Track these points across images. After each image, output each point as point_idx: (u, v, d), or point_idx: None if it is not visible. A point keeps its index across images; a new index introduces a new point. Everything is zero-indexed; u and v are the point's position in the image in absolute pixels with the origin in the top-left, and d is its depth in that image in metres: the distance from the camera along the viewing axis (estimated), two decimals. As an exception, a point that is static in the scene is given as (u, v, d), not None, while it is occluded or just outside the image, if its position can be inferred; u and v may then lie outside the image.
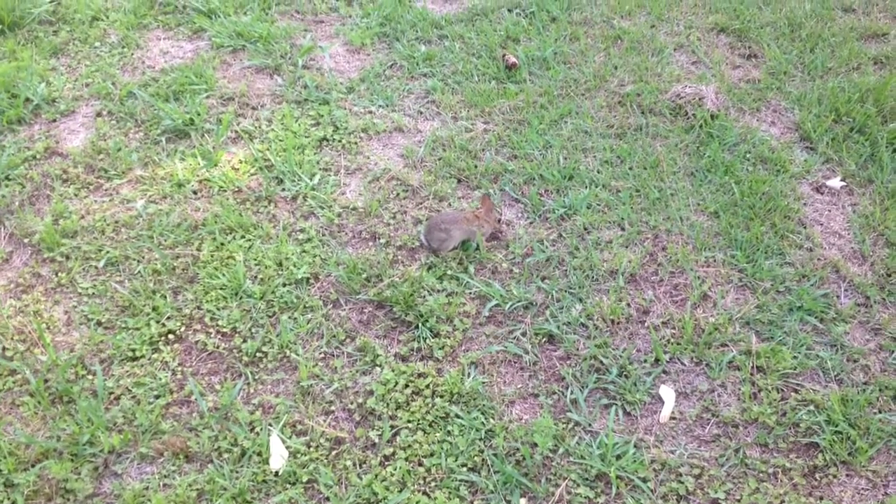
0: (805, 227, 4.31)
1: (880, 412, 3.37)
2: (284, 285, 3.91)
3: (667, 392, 3.49)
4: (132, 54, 5.68)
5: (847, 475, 3.17)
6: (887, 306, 3.87)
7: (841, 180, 4.66)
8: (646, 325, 3.80)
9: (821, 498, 3.08)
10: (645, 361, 3.63)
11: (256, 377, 3.53)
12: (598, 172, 4.68)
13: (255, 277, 3.96)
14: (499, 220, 4.15)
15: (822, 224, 4.36)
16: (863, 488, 3.12)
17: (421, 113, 5.22)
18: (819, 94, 5.34)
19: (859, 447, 3.22)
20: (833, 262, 4.09)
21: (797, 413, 3.37)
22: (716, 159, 4.74)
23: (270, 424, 3.31)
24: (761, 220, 4.31)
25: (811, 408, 3.39)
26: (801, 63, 5.73)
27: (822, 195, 4.58)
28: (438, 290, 3.93)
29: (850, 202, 4.52)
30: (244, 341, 3.67)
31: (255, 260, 4.04)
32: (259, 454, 3.21)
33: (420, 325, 3.75)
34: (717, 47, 5.95)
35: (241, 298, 3.84)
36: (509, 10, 6.33)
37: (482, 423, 3.34)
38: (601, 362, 3.61)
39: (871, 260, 4.11)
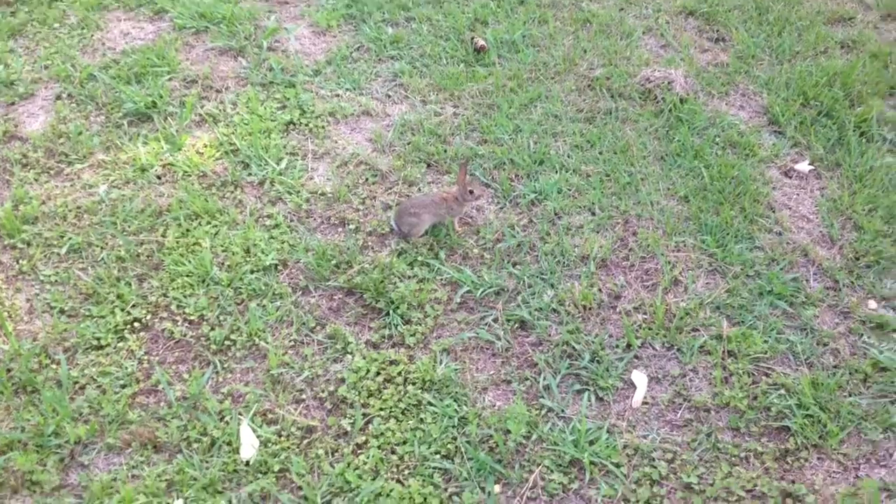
0: (774, 212, 4.33)
1: (850, 395, 3.40)
2: (252, 272, 3.85)
3: (639, 377, 3.49)
4: (92, 36, 5.54)
5: (818, 458, 3.19)
6: (856, 290, 3.90)
7: (809, 164, 4.68)
8: (617, 310, 3.79)
9: (793, 481, 3.10)
10: (617, 347, 3.63)
11: (225, 365, 3.47)
12: (569, 157, 4.66)
13: (223, 264, 3.88)
14: (471, 192, 4.03)
15: (790, 208, 4.38)
16: (834, 471, 3.15)
17: (389, 96, 5.16)
18: (787, 77, 5.36)
19: (830, 430, 3.24)
20: (802, 246, 4.11)
21: (768, 397, 3.38)
22: (685, 143, 4.74)
23: (240, 413, 3.26)
24: (731, 204, 4.32)
25: (782, 392, 3.41)
26: (768, 47, 5.74)
27: (791, 179, 4.60)
28: (409, 277, 3.89)
29: (819, 186, 4.55)
30: (212, 329, 3.60)
31: (222, 246, 3.96)
32: (229, 444, 3.15)
33: (391, 311, 3.71)
34: (686, 31, 5.94)
35: (208, 286, 3.77)
36: (478, -7, 6.27)
37: (455, 410, 3.32)
38: (573, 348, 3.60)
39: (840, 243, 4.14)
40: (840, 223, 4.26)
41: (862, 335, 3.67)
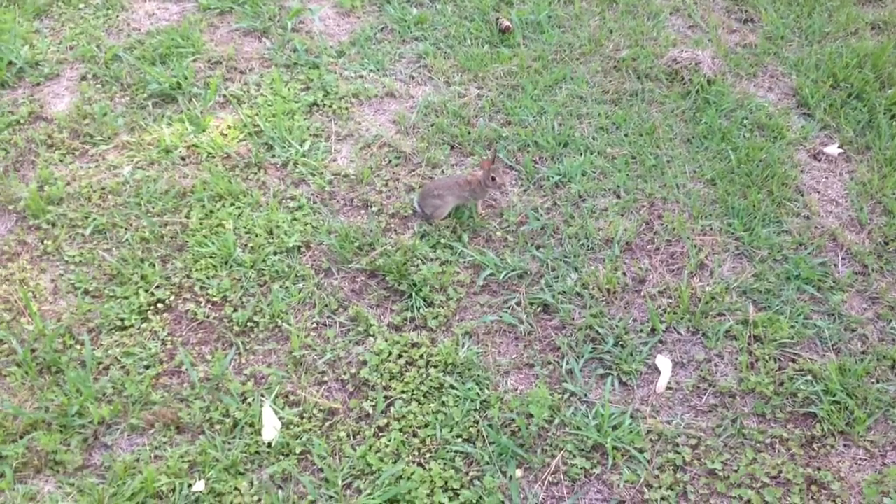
0: (802, 195, 4.27)
1: (878, 382, 3.35)
2: (275, 254, 3.85)
3: (663, 362, 3.46)
4: (117, 16, 5.54)
5: (845, 445, 3.15)
6: (885, 275, 3.83)
7: (838, 147, 4.60)
8: (642, 294, 3.76)
9: (818, 468, 3.06)
10: (641, 331, 3.60)
11: (248, 347, 3.48)
12: (594, 139, 4.61)
13: (246, 246, 3.88)
14: (493, 179, 3.97)
15: (819, 192, 4.31)
16: (860, 458, 3.11)
17: (413, 78, 5.12)
18: (816, 59, 5.26)
19: (857, 417, 3.20)
20: (830, 231, 4.05)
21: (795, 383, 3.34)
22: (712, 125, 4.68)
23: (262, 395, 3.27)
24: (758, 187, 4.26)
25: (809, 377, 3.36)
26: (798, 28, 5.64)
27: (820, 162, 4.52)
28: (432, 259, 3.87)
29: (848, 169, 4.47)
30: (235, 311, 3.61)
31: (245, 228, 3.96)
32: (251, 425, 3.16)
33: (413, 294, 3.70)
34: (714, 11, 5.85)
35: (231, 267, 3.78)
36: (503, -27, 6.20)
37: (477, 393, 3.31)
38: (597, 332, 3.57)
39: (869, 228, 4.07)
40: (869, 207, 4.19)
41: (891, 321, 3.61)
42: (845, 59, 5.20)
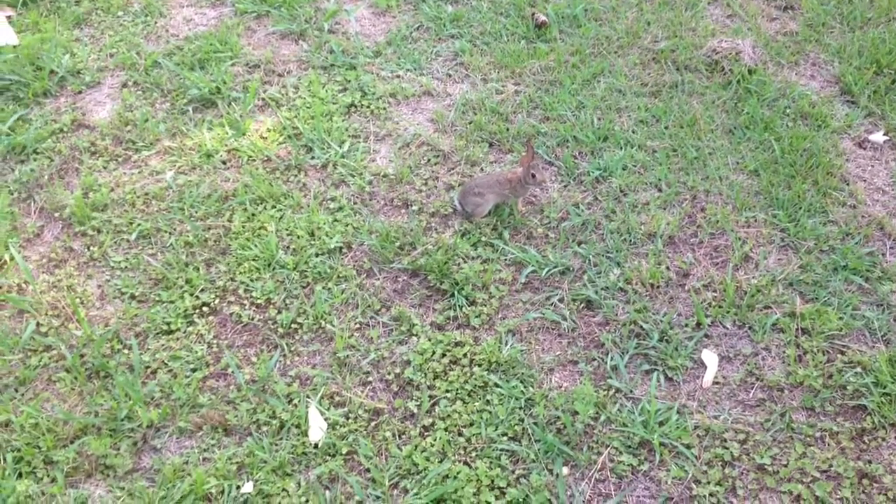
0: (848, 184, 4.19)
1: (931, 373, 3.29)
2: (317, 255, 3.87)
3: (709, 356, 3.42)
4: (156, 23, 5.61)
5: (896, 438, 3.10)
6: (936, 264, 3.76)
7: (884, 134, 4.51)
8: (686, 288, 3.72)
9: (869, 461, 3.01)
10: (686, 326, 3.56)
11: (292, 349, 3.51)
12: (634, 132, 4.57)
13: (288, 248, 3.91)
14: (533, 176, 3.94)
15: (865, 180, 4.23)
16: (914, 452, 3.05)
17: (450, 76, 5.12)
18: (859, 45, 5.16)
19: (909, 410, 3.14)
20: (878, 220, 3.97)
21: (844, 375, 3.29)
22: (754, 116, 4.61)
23: (308, 396, 3.29)
24: (803, 177, 4.19)
25: (858, 369, 3.31)
26: (839, 14, 5.53)
27: (865, 150, 4.44)
28: (473, 258, 3.87)
29: (894, 157, 4.38)
30: (279, 312, 3.64)
31: (287, 230, 3.99)
32: (298, 426, 3.19)
33: (455, 293, 3.70)
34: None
35: (274, 269, 3.81)
36: (537, -33, 6.17)
37: (521, 391, 3.30)
38: (641, 327, 3.55)
39: (918, 216, 4.00)
40: (915, 195, 4.11)
41: (943, 311, 3.54)
42: (889, 44, 5.10)
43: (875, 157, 4.39)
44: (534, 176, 3.92)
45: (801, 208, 4.02)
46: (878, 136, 4.50)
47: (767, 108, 4.69)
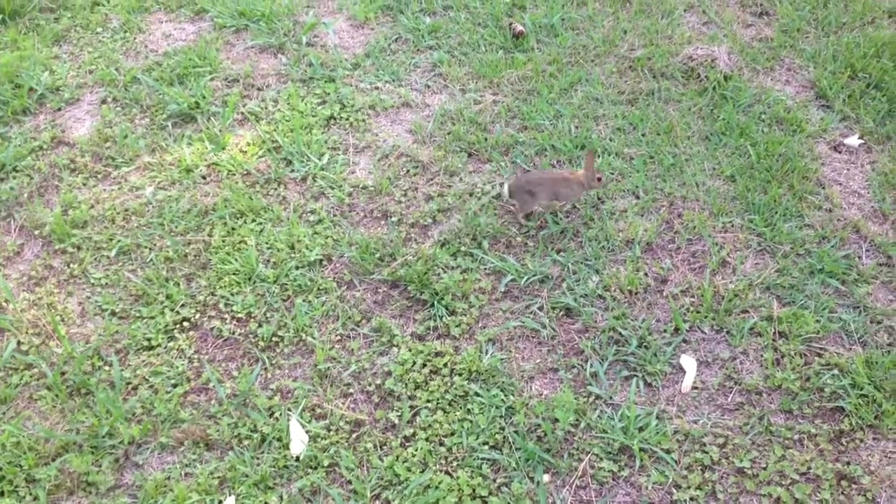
0: (823, 188, 4.24)
1: (906, 374, 3.33)
2: (297, 268, 3.88)
3: (688, 361, 3.45)
4: (134, 39, 5.62)
5: (874, 439, 3.13)
6: (910, 266, 3.80)
7: (859, 138, 4.56)
8: (664, 294, 3.75)
9: (848, 463, 3.04)
10: (665, 331, 3.59)
11: (273, 362, 3.51)
12: (611, 140, 4.61)
13: (268, 261, 3.92)
14: (599, 180, 4.03)
15: (840, 184, 4.28)
16: (890, 451, 3.08)
17: (428, 87, 5.15)
18: (834, 50, 5.22)
19: (885, 410, 3.17)
20: (853, 223, 4.02)
21: (821, 378, 3.32)
22: (730, 121, 4.65)
23: (289, 409, 3.30)
24: (779, 182, 4.23)
25: (835, 372, 3.34)
26: (814, 19, 5.60)
27: (840, 154, 4.49)
28: (453, 268, 3.89)
29: (869, 160, 4.43)
30: (259, 326, 3.64)
31: (267, 243, 4.00)
32: (279, 439, 3.19)
33: (435, 303, 3.71)
34: (729, 6, 5.82)
35: (254, 283, 3.82)
36: (514, -22, 6.21)
37: (502, 400, 3.31)
38: (620, 334, 3.57)
39: (892, 218, 4.04)
40: (892, 197, 4.16)
41: (918, 312, 3.58)
42: (863, 48, 5.17)
43: (850, 161, 4.44)
44: (599, 179, 4.00)
45: (777, 213, 4.06)
46: (853, 140, 4.55)
47: (743, 114, 4.74)
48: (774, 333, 3.52)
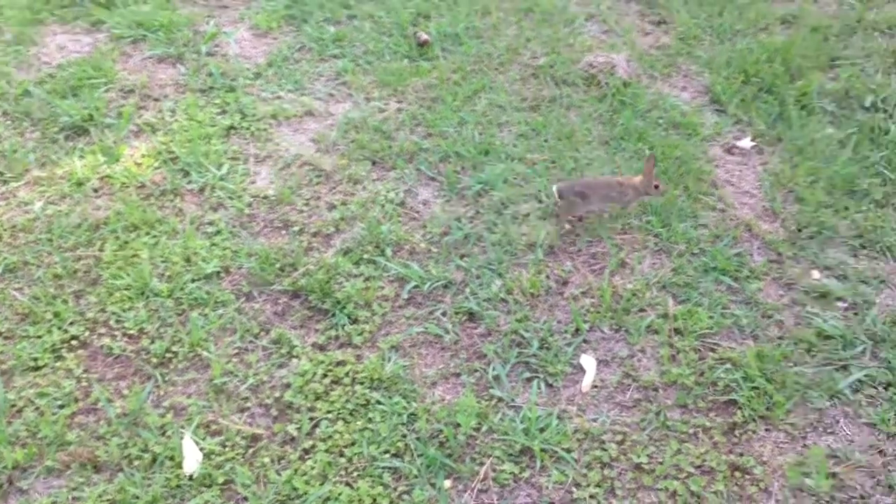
0: (717, 189, 4.34)
1: (795, 365, 3.41)
2: (193, 281, 3.78)
3: (588, 361, 3.48)
4: (28, 51, 5.44)
5: (766, 429, 3.20)
6: (798, 261, 3.91)
7: (751, 140, 4.70)
8: (565, 296, 3.78)
9: (741, 454, 3.09)
10: (566, 332, 3.61)
11: (167, 378, 3.40)
12: (514, 146, 4.64)
13: (162, 275, 3.81)
14: (657, 187, 3.99)
15: (733, 185, 4.40)
16: (782, 441, 3.15)
17: (332, 95, 5.11)
18: (728, 56, 5.38)
19: (776, 401, 3.25)
20: (745, 222, 4.12)
21: (715, 372, 3.38)
22: (629, 127, 4.74)
23: (182, 427, 3.20)
24: (675, 184, 4.32)
25: (728, 366, 3.41)
26: (709, 27, 5.76)
27: (733, 156, 4.62)
28: (355, 276, 3.85)
29: (761, 161, 4.56)
30: (152, 342, 3.53)
31: (162, 257, 3.89)
32: (172, 458, 3.09)
33: (337, 312, 3.67)
34: (628, 15, 5.95)
35: (147, 298, 3.70)
36: (418, -13, 6.23)
37: (404, 407, 3.28)
38: (522, 336, 3.58)
39: (782, 217, 4.16)
40: (782, 196, 4.28)
41: (805, 305, 3.68)
42: (756, 54, 5.33)
43: (742, 163, 4.56)
44: (657, 186, 3.97)
45: (673, 214, 4.14)
46: (746, 142, 4.68)
47: (641, 119, 4.83)
48: (670, 330, 3.57)
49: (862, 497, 2.96)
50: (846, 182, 4.32)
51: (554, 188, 4.05)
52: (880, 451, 3.11)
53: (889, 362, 3.41)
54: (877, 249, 3.98)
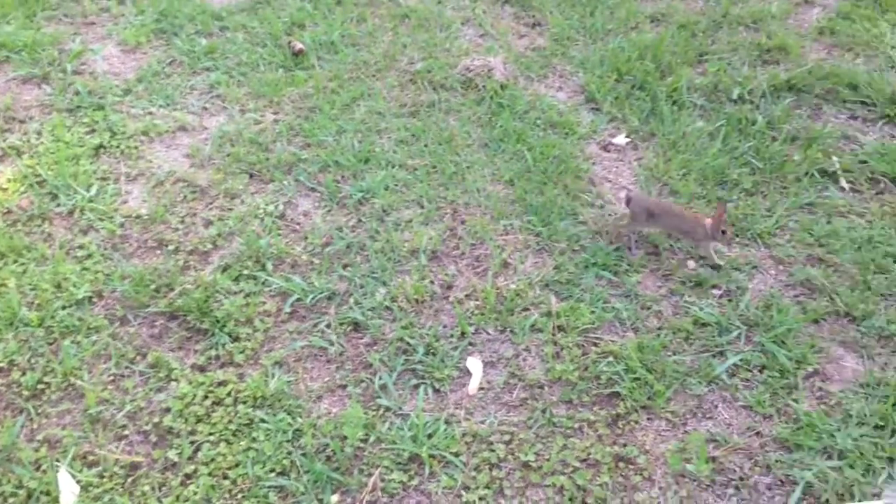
0: (595, 186, 4.43)
1: (674, 354, 3.50)
2: (64, 308, 3.62)
3: (474, 363, 3.49)
4: None
5: (648, 419, 3.27)
6: (675, 252, 4.02)
7: (626, 137, 4.81)
8: (450, 300, 3.78)
9: (625, 445, 3.15)
10: (451, 336, 3.61)
11: (40, 411, 3.25)
12: (394, 153, 4.63)
13: (32, 304, 3.64)
14: (724, 233, 3.80)
15: (610, 181, 4.49)
16: (663, 429, 3.23)
17: (206, 109, 4.99)
18: (601, 55, 5.50)
19: (657, 390, 3.33)
20: (623, 217, 4.21)
21: (598, 366, 3.44)
22: (507, 128, 4.79)
23: (58, 460, 3.06)
24: (554, 183, 4.39)
25: (610, 359, 3.47)
26: (582, 27, 5.88)
27: (609, 153, 4.72)
28: (235, 292, 3.76)
29: (636, 157, 4.68)
30: (23, 374, 3.36)
31: (31, 285, 3.72)
32: (47, 493, 2.95)
33: (217, 331, 3.57)
34: (503, 18, 6.02)
35: (16, 328, 3.53)
36: (293, -4, 6.16)
37: (289, 423, 3.22)
38: (408, 343, 3.56)
39: (658, 209, 4.27)
40: (657, 190, 4.39)
41: (683, 295, 3.79)
42: (627, 52, 5.47)
43: (619, 159, 4.67)
44: (724, 232, 3.80)
45: (553, 212, 4.20)
46: (621, 139, 4.80)
47: (519, 121, 4.89)
48: (554, 328, 3.62)
49: (741, 479, 3.06)
50: (717, 173, 4.47)
51: (623, 194, 4.00)
52: (757, 433, 3.22)
53: (763, 345, 3.54)
54: (748, 237, 4.12)
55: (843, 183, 4.41)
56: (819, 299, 3.74)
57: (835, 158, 4.53)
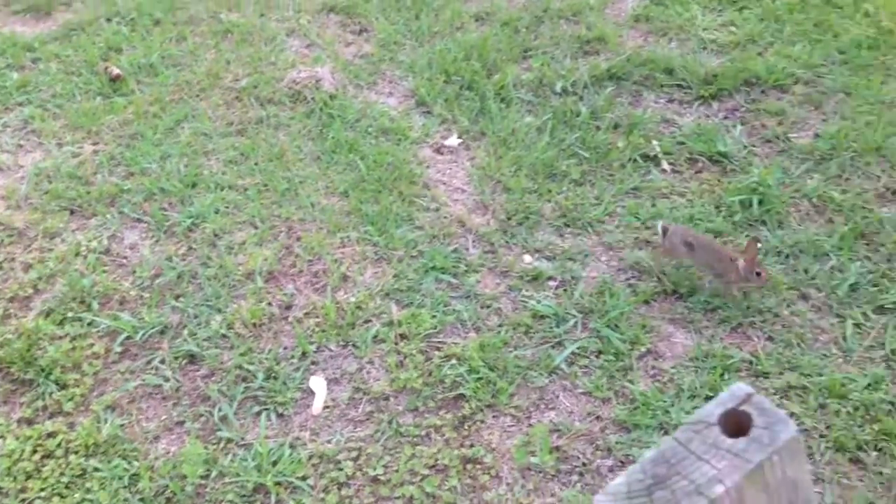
0: (430, 189, 4.44)
1: (515, 349, 3.55)
2: None
3: (317, 382, 3.43)
4: None
5: (493, 417, 3.29)
6: (511, 248, 4.08)
7: (457, 138, 4.85)
8: (290, 320, 3.71)
9: (471, 445, 3.17)
10: (292, 357, 3.54)
11: None
12: (223, 174, 4.50)
13: None
14: (759, 275, 3.56)
15: (445, 183, 4.51)
16: (508, 426, 3.26)
17: (21, 146, 4.72)
18: (428, 58, 5.52)
19: (500, 387, 3.36)
20: (458, 218, 4.24)
21: (442, 370, 3.44)
22: (339, 139, 4.74)
23: None
24: (389, 190, 4.37)
25: (454, 361, 3.48)
26: (409, 31, 5.89)
27: (443, 155, 4.74)
28: (60, 337, 3.56)
29: (468, 157, 4.72)
30: None
31: None
32: None
33: (42, 380, 3.38)
34: (329, 27, 5.97)
35: None
36: (108, 20, 5.91)
37: (125, 469, 3.07)
38: (247, 370, 3.47)
39: (492, 208, 4.32)
40: (491, 188, 4.44)
41: (521, 290, 3.84)
42: (454, 53, 5.51)
43: (452, 161, 4.70)
44: (759, 274, 3.56)
45: (389, 220, 4.18)
46: (453, 140, 4.83)
47: (351, 130, 4.85)
48: (396, 336, 3.60)
49: (584, 464, 3.12)
50: (546, 166, 4.56)
51: (660, 224, 3.86)
52: (597, 417, 3.29)
53: (598, 331, 3.63)
54: (579, 226, 4.22)
55: (665, 165, 4.59)
56: (647, 281, 3.87)
57: (655, 142, 4.70)
